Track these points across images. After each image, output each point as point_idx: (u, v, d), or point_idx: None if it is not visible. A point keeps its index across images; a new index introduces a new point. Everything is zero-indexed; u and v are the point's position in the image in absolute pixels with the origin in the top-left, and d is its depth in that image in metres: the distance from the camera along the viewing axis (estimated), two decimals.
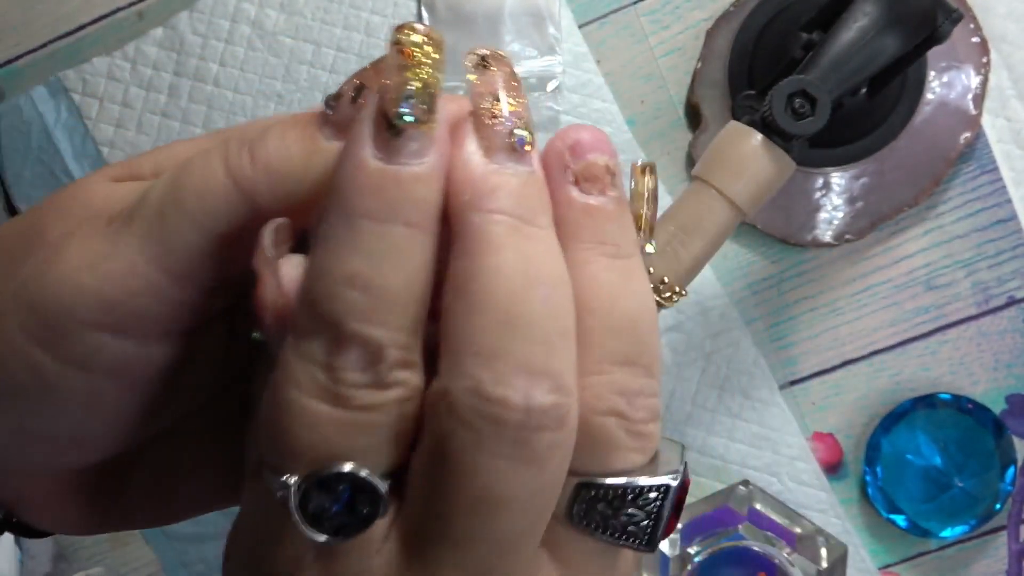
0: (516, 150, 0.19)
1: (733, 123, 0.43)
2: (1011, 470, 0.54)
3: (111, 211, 0.21)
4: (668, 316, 0.56)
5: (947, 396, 0.55)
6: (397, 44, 0.19)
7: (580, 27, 0.57)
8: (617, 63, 0.57)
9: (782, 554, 0.52)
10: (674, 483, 0.20)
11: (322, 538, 0.18)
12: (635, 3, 0.57)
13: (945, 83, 0.54)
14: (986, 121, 0.55)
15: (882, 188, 0.54)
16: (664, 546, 0.55)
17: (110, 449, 0.23)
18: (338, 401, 0.18)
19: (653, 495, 0.20)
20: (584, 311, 0.19)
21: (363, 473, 0.18)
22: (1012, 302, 0.56)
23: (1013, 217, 0.55)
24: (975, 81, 0.54)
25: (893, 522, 0.55)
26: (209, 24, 0.58)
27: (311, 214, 0.20)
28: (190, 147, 0.22)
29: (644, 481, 0.19)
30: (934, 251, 0.56)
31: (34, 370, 0.20)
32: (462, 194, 0.19)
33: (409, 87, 0.18)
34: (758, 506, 0.55)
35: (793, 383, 0.57)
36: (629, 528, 0.20)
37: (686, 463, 0.21)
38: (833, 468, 0.57)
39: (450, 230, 0.19)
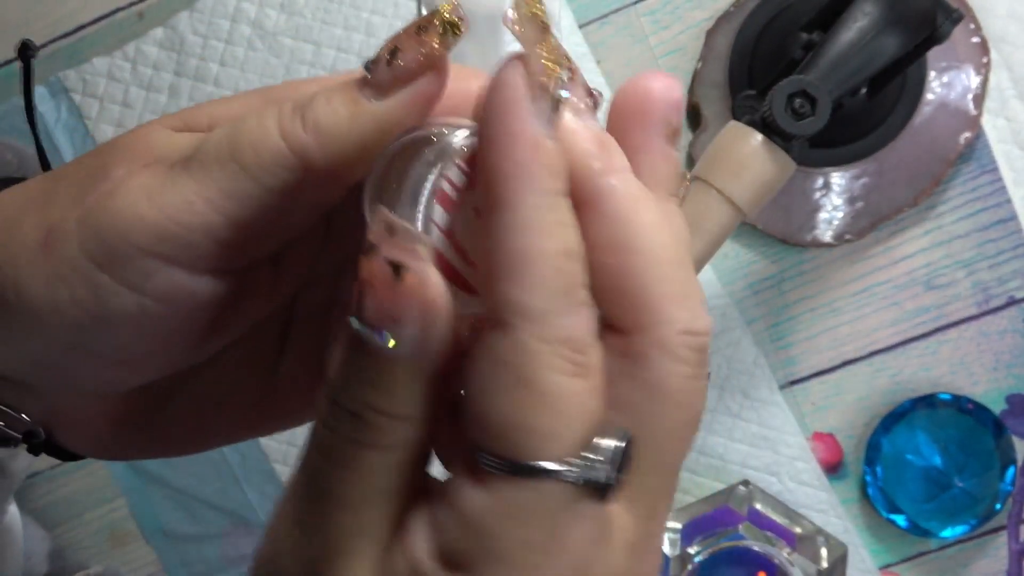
0: (592, 107, 0.20)
1: (733, 123, 0.43)
2: (1011, 470, 0.54)
3: (172, 157, 0.23)
4: None
5: (947, 396, 0.55)
6: (523, 14, 0.20)
7: (580, 27, 0.57)
8: (617, 63, 0.57)
9: (782, 554, 0.52)
10: None
11: (613, 505, 0.19)
12: (635, 3, 0.57)
13: (945, 83, 0.54)
14: (986, 121, 0.55)
15: (882, 188, 0.54)
16: (664, 546, 0.55)
17: (153, 372, 0.25)
18: (588, 372, 0.19)
19: None
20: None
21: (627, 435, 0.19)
22: (1012, 302, 0.56)
23: (1013, 217, 0.55)
24: (975, 81, 0.54)
25: (893, 522, 0.55)
26: (209, 24, 0.58)
27: (357, 170, 0.22)
28: (242, 103, 0.24)
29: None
30: (934, 251, 0.56)
31: (92, 288, 0.22)
32: (592, 162, 0.20)
33: (560, 66, 0.20)
34: (758, 506, 0.55)
35: (793, 383, 0.57)
36: None
37: None
38: (833, 468, 0.57)
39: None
